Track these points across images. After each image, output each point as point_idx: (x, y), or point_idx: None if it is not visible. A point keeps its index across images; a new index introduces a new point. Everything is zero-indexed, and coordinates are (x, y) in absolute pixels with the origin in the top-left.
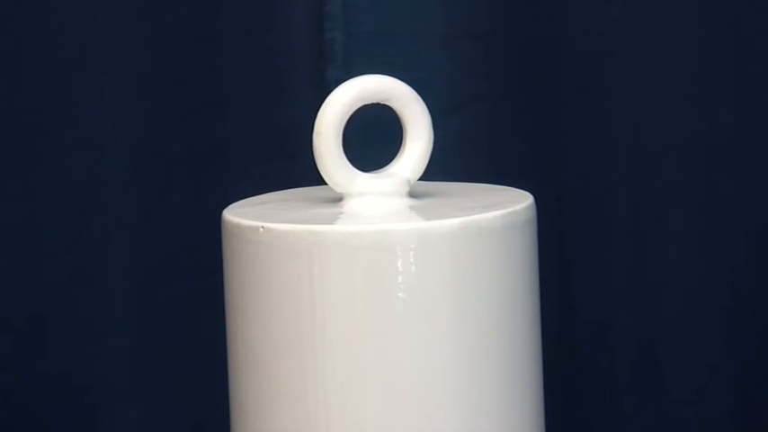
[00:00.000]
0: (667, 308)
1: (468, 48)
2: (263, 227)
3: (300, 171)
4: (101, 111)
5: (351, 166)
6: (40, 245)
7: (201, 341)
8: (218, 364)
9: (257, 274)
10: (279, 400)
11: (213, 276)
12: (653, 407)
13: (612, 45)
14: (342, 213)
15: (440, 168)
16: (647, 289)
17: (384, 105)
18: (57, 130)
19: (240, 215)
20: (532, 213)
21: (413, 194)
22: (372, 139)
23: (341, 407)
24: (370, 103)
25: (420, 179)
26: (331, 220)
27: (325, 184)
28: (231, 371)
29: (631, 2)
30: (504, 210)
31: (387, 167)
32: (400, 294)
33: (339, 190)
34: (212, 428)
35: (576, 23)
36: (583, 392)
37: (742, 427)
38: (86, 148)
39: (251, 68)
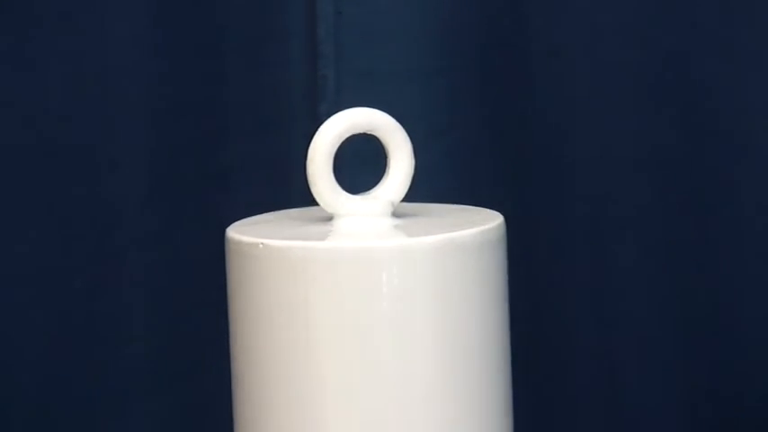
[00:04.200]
0: (622, 318)
1: (443, 83)
2: (262, 243)
3: (295, 193)
4: (120, 139)
5: (340, 189)
6: (64, 258)
7: (208, 344)
8: (222, 364)
9: (257, 286)
10: (275, 393)
11: (219, 287)
12: (608, 408)
13: (570, 78)
14: (332, 231)
15: (420, 191)
16: (603, 300)
17: (370, 135)
18: (80, 158)
19: (241, 233)
20: (503, 231)
21: (396, 214)
22: (360, 165)
23: (331, 400)
24: (357, 132)
25: (402, 200)
26: (322, 237)
27: (318, 205)
28: (234, 370)
29: (588, 36)
30: (477, 228)
31: (372, 190)
32: (384, 304)
33: (330, 210)
34: (219, 419)
35: (535, 59)
36: (544, 392)
37: (693, 420)
38: (106, 171)
39: (252, 102)
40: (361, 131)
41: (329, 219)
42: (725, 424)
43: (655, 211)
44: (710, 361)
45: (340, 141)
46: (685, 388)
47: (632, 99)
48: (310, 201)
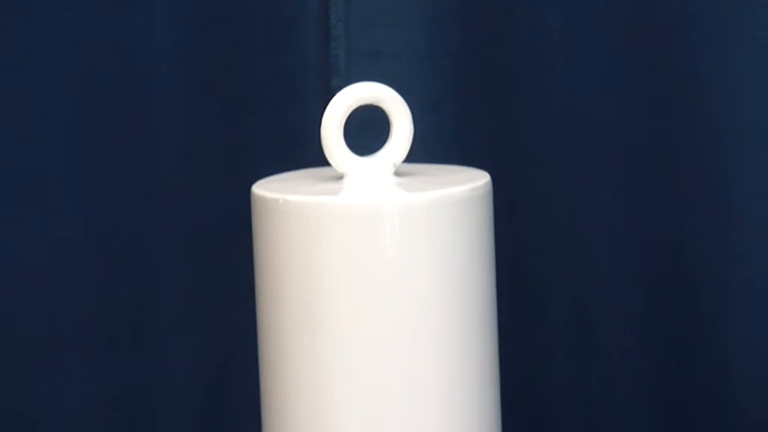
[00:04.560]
0: (598, 267)
1: (440, 61)
2: (282, 199)
3: (312, 156)
4: (161, 114)
5: (350, 151)
6: (110, 216)
7: (237, 287)
8: (248, 305)
9: (277, 236)
10: (293, 326)
11: (246, 237)
12: (582, 350)
13: (549, 59)
14: (342, 188)
15: (417, 154)
16: (578, 250)
17: (375, 105)
18: (132, 127)
19: (265, 190)
20: (489, 188)
21: (397, 173)
22: (366, 131)
23: (340, 334)
24: (364, 104)
25: (403, 162)
26: (334, 193)
27: (330, 165)
28: (258, 310)
29: (568, 18)
30: (467, 185)
31: (377, 153)
32: (388, 251)
33: (340, 170)
34: (245, 352)
35: (522, 42)
36: (524, 334)
37: (663, 363)
38: (150, 142)
39: (275, 78)
40: (368, 103)
41: (340, 177)
42: (693, 367)
43: (626, 169)
44: (681, 310)
45: (349, 111)
46: (656, 334)
47: (605, 78)
48: (324, 162)
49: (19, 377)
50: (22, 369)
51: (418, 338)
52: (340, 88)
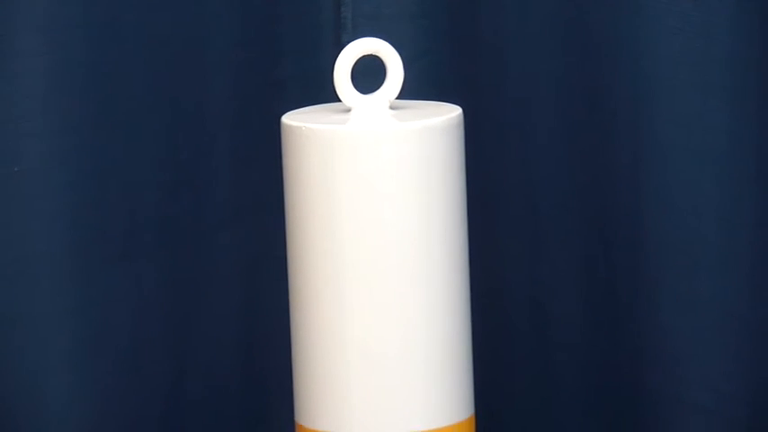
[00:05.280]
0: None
1: (424, 22)
2: (304, 126)
3: (327, 94)
4: (213, 62)
5: (356, 90)
6: (168, 144)
7: (270, 202)
8: (279, 213)
9: (300, 158)
10: (310, 230)
11: (277, 164)
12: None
13: (515, 19)
14: (349, 119)
15: (407, 93)
16: (529, 180)
17: (375, 56)
18: (183, 67)
19: (291, 119)
20: (461, 119)
21: (392, 107)
22: (368, 75)
23: (347, 236)
24: (366, 53)
25: (396, 99)
26: (344, 123)
27: (341, 101)
28: (286, 218)
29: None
30: (445, 116)
31: (376, 92)
32: (384, 167)
33: (348, 105)
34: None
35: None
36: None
37: (608, 294)
38: (204, 82)
39: (299, 34)
40: (369, 53)
41: (348, 110)
42: (641, 298)
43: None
44: (628, 241)
45: (355, 59)
46: (600, 266)
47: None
48: (336, 99)
49: (84, 267)
50: (88, 259)
51: (408, 245)
52: (348, 42)
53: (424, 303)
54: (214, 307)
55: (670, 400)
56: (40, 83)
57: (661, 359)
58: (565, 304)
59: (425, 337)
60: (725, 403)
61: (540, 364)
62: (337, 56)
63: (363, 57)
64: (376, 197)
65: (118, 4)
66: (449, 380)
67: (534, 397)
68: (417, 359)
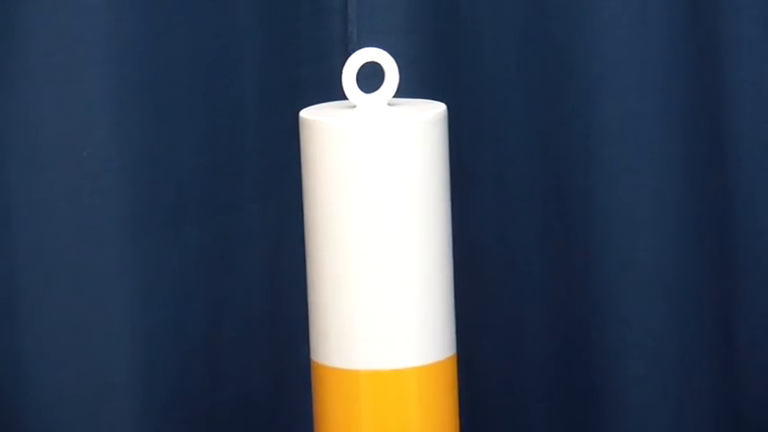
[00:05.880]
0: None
1: (415, 36)
2: (317, 120)
3: (337, 93)
4: (246, 62)
5: (360, 90)
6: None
7: (290, 179)
8: (298, 198)
9: (315, 143)
10: (321, 205)
11: (296, 149)
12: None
13: (490, 33)
14: (354, 114)
15: (402, 93)
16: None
17: (376, 62)
18: (218, 65)
19: (307, 114)
20: (446, 114)
21: (389, 104)
22: (370, 78)
23: (348, 210)
24: (368, 61)
25: (393, 97)
26: (349, 117)
27: (348, 99)
28: (304, 199)
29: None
30: (433, 112)
31: (377, 91)
32: (385, 154)
33: (354, 102)
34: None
35: (466, 17)
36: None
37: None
38: (235, 85)
39: (314, 45)
40: (371, 61)
41: (353, 106)
42: (591, 255)
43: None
44: (580, 209)
45: (360, 65)
46: (558, 229)
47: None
48: (344, 97)
49: (139, 233)
50: (143, 226)
51: (404, 205)
52: (354, 52)
53: (415, 260)
54: (245, 264)
55: (614, 339)
56: (106, 85)
57: (607, 305)
58: (529, 260)
59: (417, 289)
60: (662, 342)
61: (508, 309)
62: (345, 63)
63: (366, 63)
64: (377, 177)
65: (169, 20)
66: (436, 324)
67: (504, 337)
68: (410, 306)
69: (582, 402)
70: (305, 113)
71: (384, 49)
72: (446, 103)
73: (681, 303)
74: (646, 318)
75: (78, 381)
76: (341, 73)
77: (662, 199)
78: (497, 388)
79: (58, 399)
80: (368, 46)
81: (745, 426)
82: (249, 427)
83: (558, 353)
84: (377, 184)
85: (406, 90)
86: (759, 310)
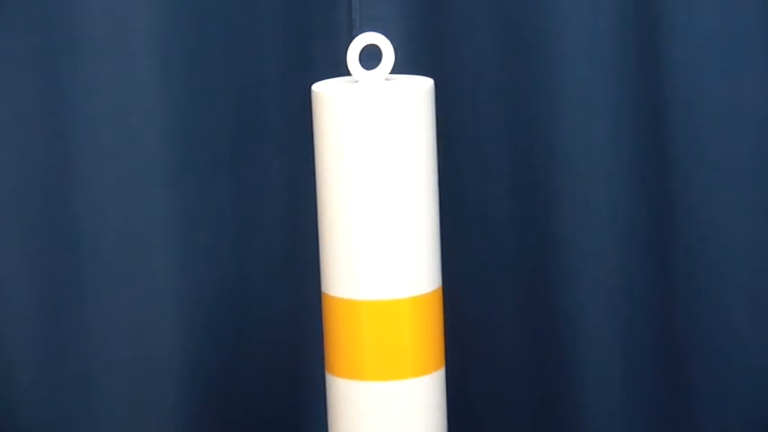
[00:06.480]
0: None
1: (408, 22)
2: (325, 93)
3: (342, 71)
4: (264, 49)
5: (361, 67)
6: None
7: (304, 144)
8: (312, 155)
9: (324, 112)
10: (329, 168)
11: (309, 113)
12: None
13: (469, 20)
14: (357, 88)
15: (396, 69)
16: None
17: (375, 44)
18: (242, 44)
19: (318, 88)
20: (433, 87)
21: (386, 80)
22: (370, 58)
23: (357, 171)
24: (369, 43)
25: (389, 73)
26: (354, 90)
27: (351, 75)
28: (316, 156)
29: None
30: (424, 85)
31: (376, 68)
32: (383, 121)
33: (357, 78)
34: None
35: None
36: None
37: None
38: (259, 63)
39: (323, 31)
40: (371, 43)
41: (356, 81)
42: (551, 204)
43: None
44: (543, 166)
45: (361, 47)
46: (525, 182)
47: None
48: (349, 73)
49: (180, 183)
50: (183, 178)
51: (400, 162)
52: (357, 35)
53: (408, 208)
54: (268, 211)
55: (569, 272)
56: (152, 64)
57: (565, 243)
58: (502, 207)
59: (409, 231)
60: (611, 274)
61: (485, 249)
62: (349, 45)
63: (367, 46)
64: (376, 139)
65: (204, 9)
66: (425, 261)
67: (482, 271)
68: (403, 246)
69: (547, 323)
70: (316, 87)
71: (382, 34)
72: (433, 78)
73: (627, 242)
74: (598, 254)
75: (131, 305)
76: (346, 53)
77: (613, 154)
78: (476, 314)
79: (113, 315)
80: (368, 31)
81: (681, 341)
82: (271, 345)
83: (525, 283)
84: (376, 145)
85: (400, 67)
86: (692, 248)
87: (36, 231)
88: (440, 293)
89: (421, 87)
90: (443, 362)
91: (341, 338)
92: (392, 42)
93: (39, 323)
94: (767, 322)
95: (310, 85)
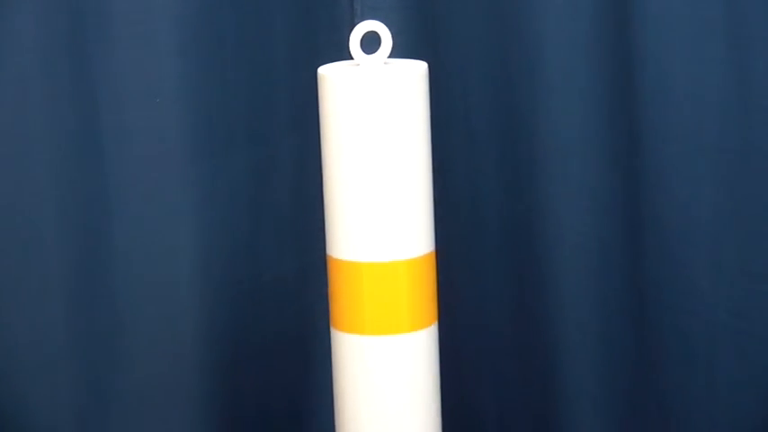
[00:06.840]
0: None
1: (405, 11)
2: (330, 76)
3: (345, 55)
4: (274, 36)
5: (363, 52)
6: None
7: (311, 123)
8: (316, 131)
9: (329, 93)
10: (333, 147)
11: (315, 92)
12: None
13: (459, 9)
14: (359, 71)
15: (394, 54)
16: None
17: (375, 31)
18: (262, 34)
19: (323, 71)
20: (427, 70)
21: (385, 63)
22: (371, 43)
23: (358, 148)
24: (369, 30)
25: (388, 58)
26: (355, 73)
27: (354, 59)
28: (322, 134)
29: None
30: (419, 69)
31: (376, 53)
32: (382, 101)
33: (358, 62)
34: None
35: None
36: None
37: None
38: (270, 48)
39: (329, 20)
40: (371, 30)
41: (358, 65)
42: (534, 178)
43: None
44: (526, 145)
45: (363, 33)
46: (509, 159)
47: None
48: (351, 58)
49: (197, 159)
50: (200, 154)
51: (396, 139)
52: (358, 23)
53: (404, 179)
54: (279, 182)
55: (550, 237)
56: (173, 50)
57: (544, 211)
58: (488, 180)
59: (405, 200)
60: (585, 237)
61: (473, 216)
62: (351, 32)
63: (367, 32)
64: (376, 117)
65: (225, 9)
66: (419, 227)
67: (471, 235)
68: (400, 213)
69: (530, 283)
70: (322, 70)
71: (381, 22)
72: (427, 63)
73: (600, 209)
74: (573, 218)
75: (154, 266)
76: (348, 39)
77: (588, 131)
78: (466, 274)
79: (138, 274)
80: (368, 19)
81: (647, 298)
82: (281, 303)
83: (509, 245)
84: (376, 123)
85: (398, 52)
86: (659, 216)
87: (70, 199)
88: (433, 256)
89: (416, 70)
90: (436, 317)
91: (344, 297)
92: (390, 29)
93: (72, 280)
94: (726, 281)
95: (317, 69)
